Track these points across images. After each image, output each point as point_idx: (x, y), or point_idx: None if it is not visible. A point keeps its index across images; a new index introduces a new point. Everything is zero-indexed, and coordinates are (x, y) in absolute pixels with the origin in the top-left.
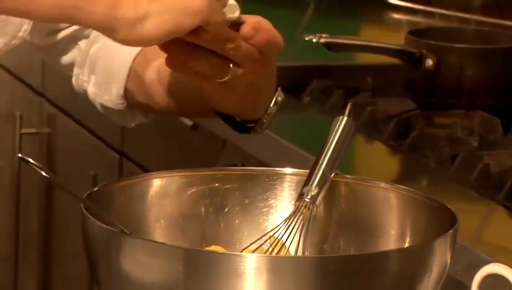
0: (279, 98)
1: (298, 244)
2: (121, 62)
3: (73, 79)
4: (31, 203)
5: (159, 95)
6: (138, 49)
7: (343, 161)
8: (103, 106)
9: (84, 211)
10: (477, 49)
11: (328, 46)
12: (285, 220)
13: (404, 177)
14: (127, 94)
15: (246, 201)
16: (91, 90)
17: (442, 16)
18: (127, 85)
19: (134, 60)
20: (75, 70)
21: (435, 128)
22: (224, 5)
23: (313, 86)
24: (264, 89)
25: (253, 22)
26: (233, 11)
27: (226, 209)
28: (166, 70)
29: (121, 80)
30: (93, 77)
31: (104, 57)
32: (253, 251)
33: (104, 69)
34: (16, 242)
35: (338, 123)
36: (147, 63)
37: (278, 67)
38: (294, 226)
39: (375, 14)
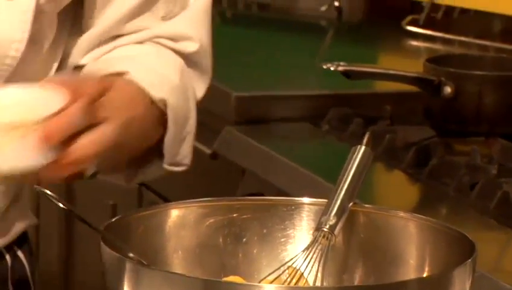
0: None
1: (317, 274)
2: None
3: None
4: (51, 233)
5: None
6: None
7: (362, 190)
8: None
9: (102, 243)
10: (496, 76)
11: (347, 74)
12: (304, 250)
13: (424, 205)
14: None
15: (264, 231)
16: None
17: (460, 43)
18: None
19: None
20: None
21: (454, 156)
22: None
23: (331, 115)
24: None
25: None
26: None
27: (244, 240)
28: None
29: None
30: None
31: None
32: (272, 282)
33: None
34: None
35: (356, 152)
36: None
37: (297, 96)
38: (312, 256)
39: (393, 42)
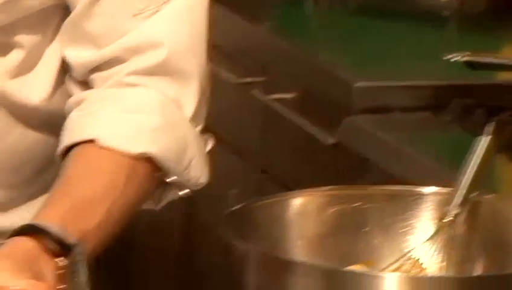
0: None
1: (440, 264)
2: None
3: None
4: (171, 219)
5: None
6: None
7: (484, 180)
8: None
9: (224, 230)
10: None
11: (472, 64)
12: (427, 240)
13: None
14: None
15: (386, 221)
16: None
17: None
18: None
19: None
20: None
21: None
22: None
23: (454, 105)
24: None
25: None
26: None
27: (367, 229)
28: None
29: None
30: None
31: None
32: (394, 271)
33: None
34: (156, 258)
35: (480, 143)
36: None
37: (418, 86)
38: (435, 246)
39: None
